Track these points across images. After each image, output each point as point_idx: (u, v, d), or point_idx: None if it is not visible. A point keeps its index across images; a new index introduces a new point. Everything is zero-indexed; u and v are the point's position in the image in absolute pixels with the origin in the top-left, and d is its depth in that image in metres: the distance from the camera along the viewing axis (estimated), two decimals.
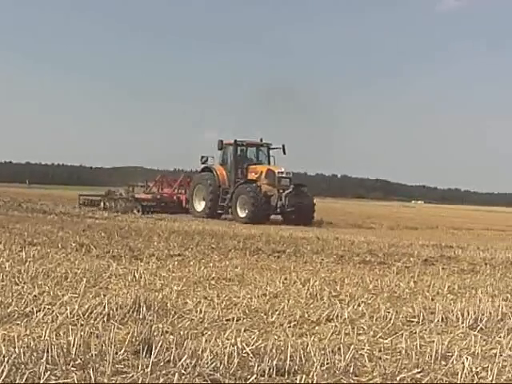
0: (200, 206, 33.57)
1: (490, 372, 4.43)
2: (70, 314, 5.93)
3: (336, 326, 5.84)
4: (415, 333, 5.71)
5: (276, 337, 5.35)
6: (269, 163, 33.48)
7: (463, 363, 4.53)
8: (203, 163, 34.55)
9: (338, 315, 6.28)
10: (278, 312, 6.35)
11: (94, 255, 10.78)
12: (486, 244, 18.85)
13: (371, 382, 4.25)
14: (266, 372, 4.33)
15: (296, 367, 4.44)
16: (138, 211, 32.89)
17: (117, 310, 6.13)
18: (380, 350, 5.04)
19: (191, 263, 10.21)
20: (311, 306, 6.81)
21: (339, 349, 4.87)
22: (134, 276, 8.41)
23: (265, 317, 6.18)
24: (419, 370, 4.46)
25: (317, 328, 5.83)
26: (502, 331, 5.89)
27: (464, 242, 19.78)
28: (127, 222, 21.92)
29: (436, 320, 6.26)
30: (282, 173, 31.90)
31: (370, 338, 5.44)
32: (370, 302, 7.18)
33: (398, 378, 4.29)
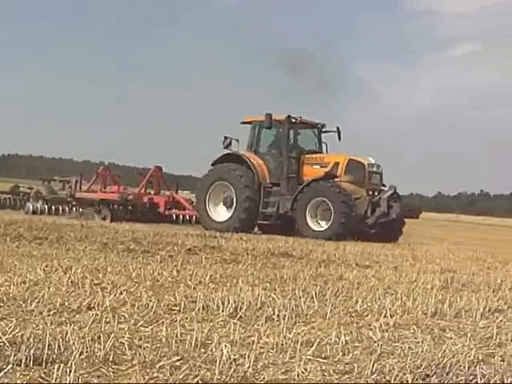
0: (221, 213, 23.19)
1: (247, 359, 4.53)
2: None
3: (97, 314, 5.75)
4: (176, 321, 5.74)
5: (34, 325, 5.18)
6: (321, 151, 24.09)
7: (222, 350, 4.60)
8: (226, 147, 23.53)
9: (99, 303, 6.19)
10: (37, 300, 6.16)
11: None
12: (248, 235, 19.37)
13: (131, 369, 4.22)
14: (23, 361, 4.18)
15: (54, 356, 4.32)
16: (104, 218, 23.77)
17: None
18: (140, 339, 5.02)
19: None
20: (72, 294, 6.67)
21: (99, 337, 4.80)
22: None
23: (23, 305, 5.97)
24: (179, 358, 4.49)
25: (77, 316, 5.71)
26: (261, 319, 6.05)
27: (228, 232, 20.19)
28: None
29: (197, 308, 6.33)
30: (372, 165, 22.64)
31: (131, 327, 5.40)
32: (132, 290, 7.14)
33: (157, 366, 4.29)
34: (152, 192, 27.63)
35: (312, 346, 5.08)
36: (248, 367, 4.39)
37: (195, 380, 4.09)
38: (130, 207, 26.04)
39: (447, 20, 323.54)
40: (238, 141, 23.73)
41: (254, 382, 4.16)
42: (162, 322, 5.57)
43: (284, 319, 6.06)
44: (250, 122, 24.05)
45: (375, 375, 4.42)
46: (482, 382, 4.46)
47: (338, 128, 24.03)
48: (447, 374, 4.59)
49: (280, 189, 22.55)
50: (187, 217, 27.40)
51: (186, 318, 5.92)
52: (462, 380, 4.49)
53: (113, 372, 4.18)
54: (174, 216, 27.35)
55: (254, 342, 5.12)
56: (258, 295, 7.05)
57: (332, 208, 21.01)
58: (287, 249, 14.16)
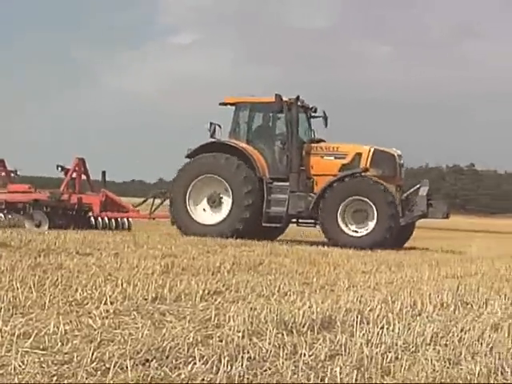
0: (203, 214, 19.38)
1: None
2: None
3: None
4: None
5: None
6: (322, 139, 20.32)
7: None
8: (212, 136, 19.67)
9: None
10: None
11: None
12: None
13: None
14: None
15: None
16: (39, 225, 19.19)
17: None
18: None
19: None
20: None
21: None
22: None
23: None
24: None
25: None
26: None
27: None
28: None
29: None
30: (400, 157, 19.51)
31: None
32: None
33: None
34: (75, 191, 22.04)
35: (30, 337, 4.94)
36: None
37: None
38: (60, 210, 21.01)
39: (168, 8, 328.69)
40: (220, 126, 19.94)
41: None
42: None
43: (0, 312, 5.84)
44: (233, 104, 20.23)
45: (95, 363, 4.39)
46: (201, 362, 4.56)
47: (324, 113, 20.78)
48: (167, 357, 4.66)
49: (289, 184, 19.06)
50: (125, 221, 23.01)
51: None
52: (181, 362, 4.57)
53: None
54: (113, 221, 22.51)
55: None
56: None
57: (375, 210, 18.16)
58: (5, 239, 13.65)
